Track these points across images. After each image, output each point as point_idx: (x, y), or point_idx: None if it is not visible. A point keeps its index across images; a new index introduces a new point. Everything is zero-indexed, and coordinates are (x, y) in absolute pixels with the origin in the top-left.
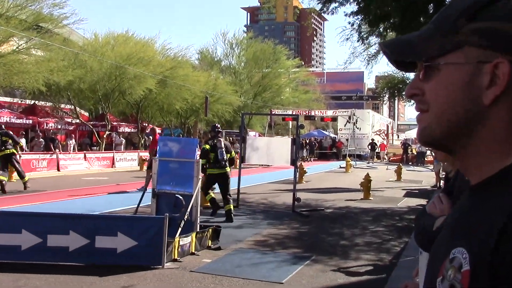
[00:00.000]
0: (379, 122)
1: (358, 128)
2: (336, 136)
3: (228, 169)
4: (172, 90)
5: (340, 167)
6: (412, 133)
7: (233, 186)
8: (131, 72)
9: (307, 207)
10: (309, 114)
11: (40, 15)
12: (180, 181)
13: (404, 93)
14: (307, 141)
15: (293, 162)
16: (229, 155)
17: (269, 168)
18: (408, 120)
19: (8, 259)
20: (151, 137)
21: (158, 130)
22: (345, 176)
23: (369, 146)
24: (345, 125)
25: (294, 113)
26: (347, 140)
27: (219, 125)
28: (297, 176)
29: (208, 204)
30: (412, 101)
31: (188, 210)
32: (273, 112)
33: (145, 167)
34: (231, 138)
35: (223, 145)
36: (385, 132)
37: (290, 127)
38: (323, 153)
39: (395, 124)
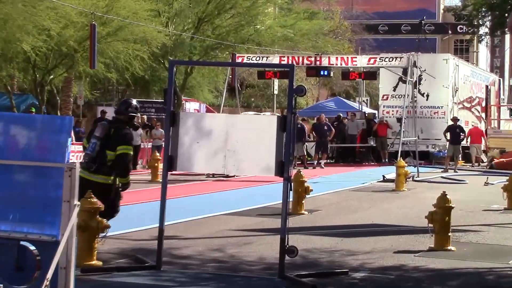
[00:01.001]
0: (469, 81)
1: (423, 95)
2: (375, 112)
3: (99, 178)
4: (15, 10)
5: (385, 180)
6: None
7: (148, 221)
8: None
9: (312, 268)
10: (317, 63)
11: None
12: (30, 212)
13: None
14: (314, 124)
15: (281, 169)
16: (110, 152)
17: (232, 180)
18: None
19: None
20: None
21: None
22: (394, 199)
23: (448, 134)
24: (394, 88)
25: (284, 62)
26: (398, 120)
27: (134, 102)
28: (290, 198)
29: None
30: None
31: (49, 275)
32: (239, 60)
33: None
34: (144, 117)
35: (99, 132)
36: (483, 104)
37: (276, 91)
38: (346, 150)
39: (505, 85)
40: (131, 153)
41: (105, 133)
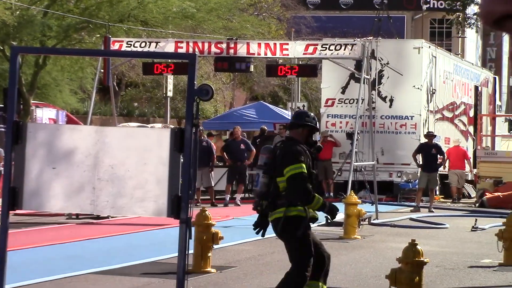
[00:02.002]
0: (451, 79)
1: (385, 100)
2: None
3: (278, 213)
4: None
5: (329, 223)
6: None
7: None
8: None
9: None
10: (230, 51)
11: None
12: None
13: None
14: (226, 142)
15: (176, 207)
16: (279, 179)
17: (106, 223)
18: None
19: None
20: None
21: None
22: (342, 251)
23: (420, 157)
24: (343, 90)
25: (182, 50)
26: (349, 136)
27: None
28: (189, 250)
29: None
30: None
31: None
32: (115, 47)
33: None
34: None
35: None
36: (471, 113)
37: (170, 93)
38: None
39: (502, 86)
40: None
41: None
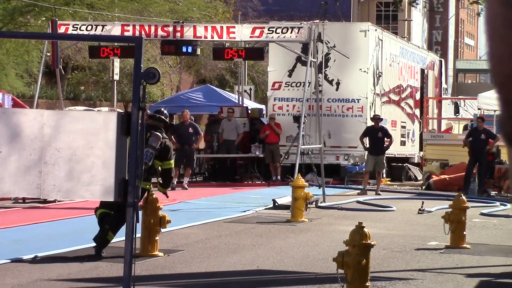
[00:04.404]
0: (397, 62)
1: (332, 83)
2: (262, 107)
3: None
4: None
5: (276, 206)
6: None
7: None
8: None
9: None
10: (177, 34)
11: None
12: None
13: None
14: (173, 126)
15: (123, 190)
16: (160, 163)
17: (52, 207)
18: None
19: None
20: None
21: None
22: (289, 234)
23: (367, 140)
24: (290, 73)
25: (128, 33)
26: (296, 119)
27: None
28: (136, 234)
29: None
30: None
31: None
32: (61, 31)
33: None
34: None
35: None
36: (417, 96)
37: (116, 76)
38: (221, 163)
39: (448, 69)
40: None
41: None
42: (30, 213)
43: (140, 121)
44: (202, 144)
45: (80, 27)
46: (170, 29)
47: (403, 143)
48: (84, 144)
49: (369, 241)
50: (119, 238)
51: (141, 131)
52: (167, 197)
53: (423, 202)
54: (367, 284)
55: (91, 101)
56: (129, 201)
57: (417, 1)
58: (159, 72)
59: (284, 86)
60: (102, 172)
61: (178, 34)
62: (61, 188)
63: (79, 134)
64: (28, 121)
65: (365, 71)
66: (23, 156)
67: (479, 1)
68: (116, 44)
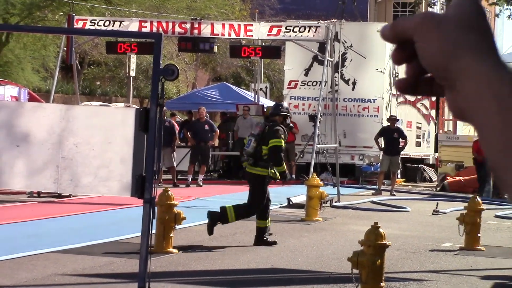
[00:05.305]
0: None
1: (348, 82)
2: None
3: (257, 170)
4: None
5: (291, 205)
6: None
7: None
8: None
9: None
10: (194, 31)
11: None
12: None
13: None
14: (189, 122)
15: (140, 187)
16: (264, 147)
17: (68, 202)
18: None
19: None
20: None
21: None
22: (303, 233)
23: (382, 140)
24: (307, 72)
25: (145, 29)
26: (312, 118)
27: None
28: (152, 230)
29: None
30: None
31: None
32: (78, 26)
33: None
34: None
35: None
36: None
37: (133, 72)
38: (236, 161)
39: None
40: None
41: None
42: (45, 207)
43: (158, 117)
44: (216, 142)
45: (97, 23)
46: (188, 26)
47: (418, 144)
48: (102, 139)
49: (384, 242)
50: (133, 234)
51: (159, 128)
52: (285, 179)
53: (437, 203)
54: (381, 285)
55: (107, 97)
56: (146, 197)
57: (435, 2)
58: (178, 68)
59: (300, 85)
60: (119, 168)
61: (196, 31)
62: (78, 183)
63: (97, 129)
64: (46, 115)
65: (381, 71)
66: (41, 151)
67: (498, 2)
68: (133, 40)
